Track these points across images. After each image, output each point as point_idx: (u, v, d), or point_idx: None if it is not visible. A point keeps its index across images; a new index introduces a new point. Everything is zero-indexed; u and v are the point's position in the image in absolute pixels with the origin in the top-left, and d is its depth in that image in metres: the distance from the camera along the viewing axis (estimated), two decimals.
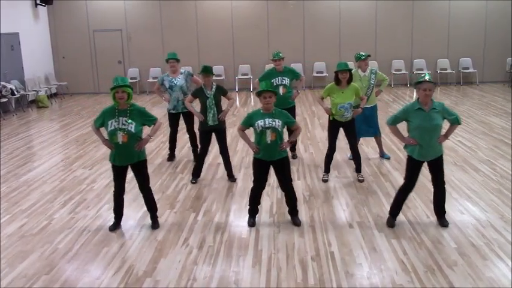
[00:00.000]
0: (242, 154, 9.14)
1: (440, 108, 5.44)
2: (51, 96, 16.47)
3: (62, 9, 17.15)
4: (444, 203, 5.80)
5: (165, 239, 5.72)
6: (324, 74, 17.07)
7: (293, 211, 6.04)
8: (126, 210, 6.59)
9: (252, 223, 5.97)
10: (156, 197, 6.99)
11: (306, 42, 17.20)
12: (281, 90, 7.98)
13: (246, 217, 6.29)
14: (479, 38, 17.06)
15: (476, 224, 5.84)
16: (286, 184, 5.91)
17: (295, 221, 5.98)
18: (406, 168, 5.70)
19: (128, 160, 5.69)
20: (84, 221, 6.31)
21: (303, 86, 8.95)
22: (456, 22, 16.95)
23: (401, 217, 6.10)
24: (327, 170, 7.60)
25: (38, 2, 16.26)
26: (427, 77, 5.34)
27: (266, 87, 5.62)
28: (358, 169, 7.54)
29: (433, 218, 6.00)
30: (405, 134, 5.64)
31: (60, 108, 15.23)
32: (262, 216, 6.24)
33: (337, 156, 8.73)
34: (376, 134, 8.35)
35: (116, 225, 6.02)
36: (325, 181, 7.47)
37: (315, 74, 17.17)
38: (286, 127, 5.84)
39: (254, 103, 14.81)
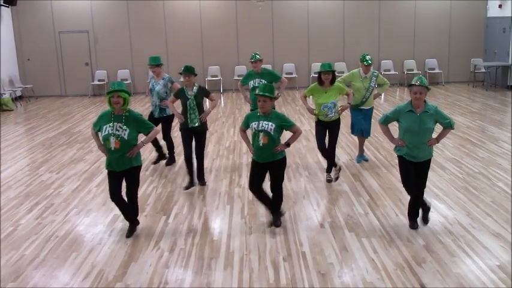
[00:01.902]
0: (213, 156, 9.11)
1: (432, 111, 5.35)
2: (16, 99, 16.09)
3: (26, 10, 16.76)
4: (419, 208, 5.75)
5: (135, 242, 5.65)
6: (293, 75, 17.16)
7: (275, 211, 5.96)
8: (94, 214, 6.50)
9: (276, 223, 5.90)
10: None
11: (275, 43, 17.25)
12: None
13: (217, 219, 6.28)
14: (444, 39, 17.42)
15: (444, 221, 5.95)
16: (275, 184, 5.83)
17: (276, 221, 5.90)
18: (399, 171, 5.68)
19: (121, 166, 5.52)
20: (51, 226, 6.18)
21: (284, 87, 8.75)
22: (422, 23, 17.27)
23: (371, 216, 6.18)
24: (329, 170, 7.49)
25: (1, 2, 15.85)
26: (418, 81, 5.26)
27: (263, 91, 5.53)
28: (328, 169, 7.49)
29: (402, 216, 6.09)
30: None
31: (25, 111, 14.89)
32: (234, 217, 6.23)
33: (309, 158, 8.80)
34: (367, 136, 8.38)
35: (132, 230, 5.87)
36: (329, 181, 7.41)
37: (284, 75, 17.22)
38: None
39: (224, 105, 14.79)
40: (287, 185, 7.39)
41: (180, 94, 7.17)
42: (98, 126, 5.59)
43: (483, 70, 16.90)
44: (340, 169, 7.47)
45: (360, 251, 5.28)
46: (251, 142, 5.75)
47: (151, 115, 8.31)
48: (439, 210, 6.27)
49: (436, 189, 7.03)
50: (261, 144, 5.56)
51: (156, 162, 8.61)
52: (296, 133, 5.81)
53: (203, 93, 7.25)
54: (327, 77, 6.97)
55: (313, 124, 7.56)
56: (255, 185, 5.81)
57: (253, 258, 5.18)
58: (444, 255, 5.11)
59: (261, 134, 5.54)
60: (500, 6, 16.27)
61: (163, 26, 17.01)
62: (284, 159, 5.80)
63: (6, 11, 16.45)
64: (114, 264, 5.15)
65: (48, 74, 17.14)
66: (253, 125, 5.60)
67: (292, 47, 17.24)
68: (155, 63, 8.23)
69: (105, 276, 4.90)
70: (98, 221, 6.25)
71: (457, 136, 9.92)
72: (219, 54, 17.06)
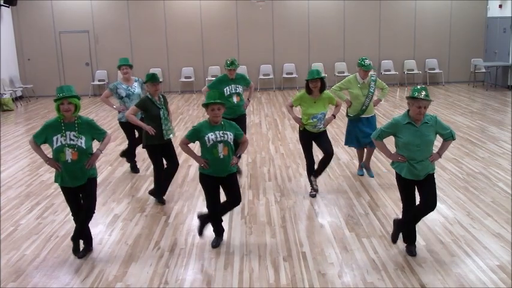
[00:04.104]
0: None
1: (432, 122, 4.86)
2: (16, 99, 16.10)
3: (27, 10, 16.77)
4: (422, 218, 5.13)
5: (135, 242, 5.65)
6: (293, 75, 17.17)
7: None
8: (94, 214, 6.47)
9: (216, 244, 5.49)
10: (126, 201, 6.96)
11: (275, 43, 17.26)
12: (235, 99, 7.45)
13: None
14: (445, 39, 17.42)
15: (444, 221, 5.95)
16: (237, 196, 5.37)
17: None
18: (399, 189, 5.13)
19: (78, 180, 4.97)
20: (52, 226, 6.18)
21: (253, 90, 8.12)
22: (422, 23, 17.27)
23: (371, 216, 6.18)
24: (318, 174, 6.98)
25: (2, 2, 15.86)
26: (422, 93, 4.69)
27: (214, 98, 5.07)
28: (316, 175, 6.92)
29: None
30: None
31: (25, 111, 14.90)
32: (234, 217, 6.23)
33: None
34: (372, 146, 7.34)
35: (86, 251, 5.36)
36: (312, 195, 6.89)
37: (284, 75, 17.24)
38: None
39: None
40: (287, 185, 7.40)
41: (148, 104, 6.49)
42: (42, 138, 4.91)
43: (483, 70, 16.91)
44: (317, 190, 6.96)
45: (360, 251, 5.28)
46: (202, 155, 5.22)
47: (125, 124, 7.80)
48: (440, 211, 6.27)
49: (436, 189, 7.01)
50: (221, 156, 5.12)
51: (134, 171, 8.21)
52: (245, 143, 5.46)
53: (166, 101, 6.72)
54: (315, 85, 6.34)
55: None
56: (218, 202, 5.42)
57: (253, 258, 5.18)
58: (444, 255, 5.10)
59: (221, 145, 5.10)
60: (500, 6, 16.26)
61: (163, 26, 17.02)
62: (236, 172, 5.43)
63: (7, 11, 16.46)
64: (115, 264, 5.15)
65: (49, 74, 17.14)
66: (210, 136, 5.09)
67: (292, 47, 17.24)
68: (130, 64, 7.81)
69: (105, 276, 4.90)
70: (98, 221, 6.24)
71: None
72: (219, 54, 17.02)
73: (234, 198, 5.36)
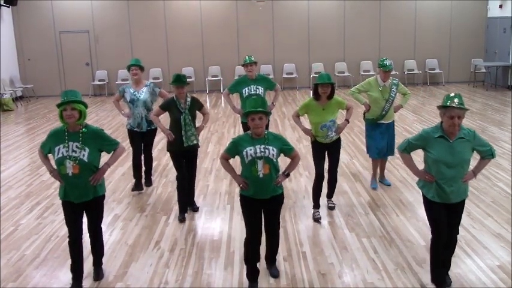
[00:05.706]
0: (213, 156, 9.11)
1: (470, 137, 4.20)
2: (16, 99, 16.10)
3: (27, 10, 16.77)
4: (451, 258, 4.60)
5: (135, 242, 5.65)
6: (293, 75, 17.17)
7: (272, 259, 4.93)
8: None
9: None
10: (126, 201, 6.95)
11: (276, 43, 17.26)
12: None
13: (217, 218, 6.26)
14: (445, 39, 17.42)
15: None
16: (274, 228, 4.68)
17: (273, 271, 4.84)
18: (426, 214, 4.47)
19: (81, 196, 4.47)
20: (52, 226, 6.18)
21: (279, 93, 7.74)
22: (422, 23, 17.28)
23: (371, 216, 6.18)
24: (317, 205, 6.26)
25: (2, 3, 15.85)
26: (455, 100, 4.10)
27: (255, 106, 4.36)
28: (330, 194, 6.50)
29: (403, 217, 6.09)
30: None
31: (26, 111, 14.90)
32: (234, 217, 6.23)
33: (309, 158, 8.79)
34: (386, 155, 7.15)
35: (77, 286, 4.69)
36: (317, 220, 6.11)
37: (284, 76, 17.23)
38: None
39: (225, 105, 14.77)
40: (287, 185, 7.39)
41: (171, 107, 6.06)
42: (47, 148, 4.51)
43: (483, 70, 16.92)
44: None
45: (360, 251, 5.28)
46: (242, 173, 4.54)
47: (131, 132, 7.21)
48: None
49: None
50: (261, 175, 4.40)
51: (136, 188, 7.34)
52: (296, 158, 4.70)
53: (197, 105, 6.20)
54: (324, 91, 5.81)
55: None
56: (260, 230, 4.62)
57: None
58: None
59: (260, 162, 4.39)
60: (500, 6, 16.26)
61: (163, 26, 17.02)
62: (283, 194, 4.70)
63: (7, 11, 16.46)
64: (115, 264, 5.15)
65: (49, 74, 17.15)
66: (249, 151, 4.39)
67: (292, 47, 17.24)
68: (139, 65, 7.11)
69: (105, 276, 4.90)
70: None
71: None
72: (219, 54, 17.06)
73: (271, 224, 4.65)
